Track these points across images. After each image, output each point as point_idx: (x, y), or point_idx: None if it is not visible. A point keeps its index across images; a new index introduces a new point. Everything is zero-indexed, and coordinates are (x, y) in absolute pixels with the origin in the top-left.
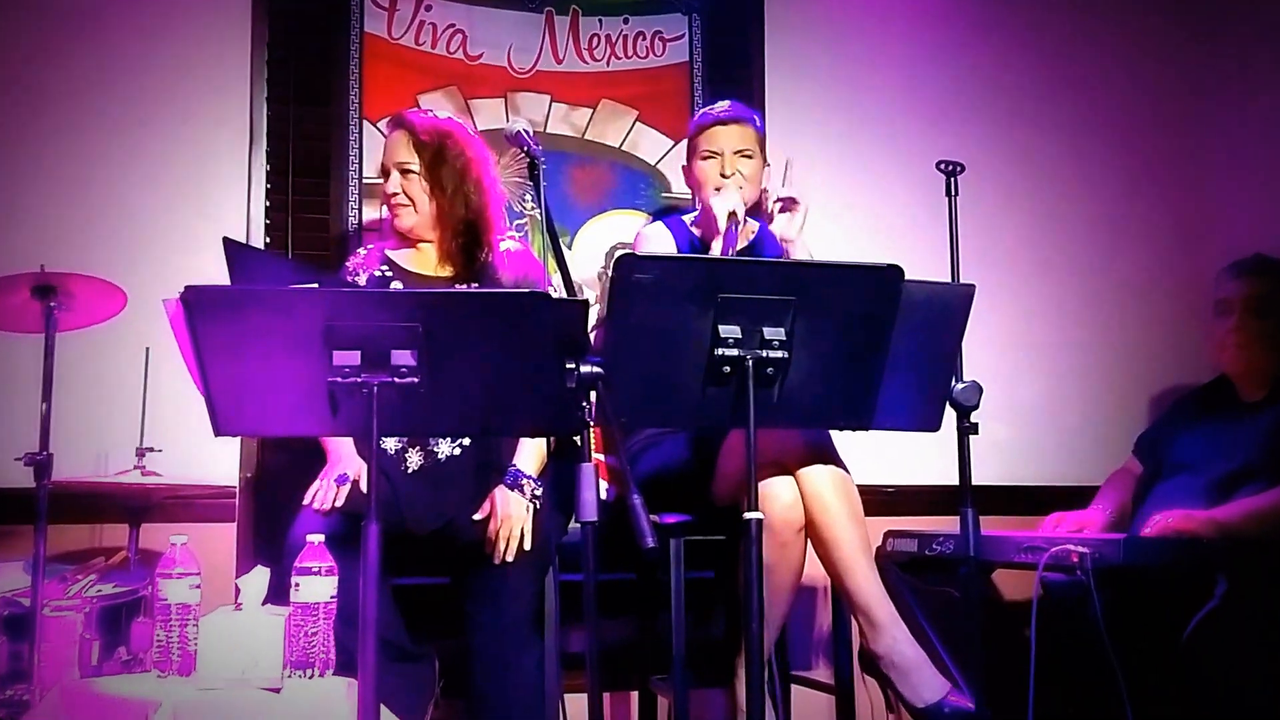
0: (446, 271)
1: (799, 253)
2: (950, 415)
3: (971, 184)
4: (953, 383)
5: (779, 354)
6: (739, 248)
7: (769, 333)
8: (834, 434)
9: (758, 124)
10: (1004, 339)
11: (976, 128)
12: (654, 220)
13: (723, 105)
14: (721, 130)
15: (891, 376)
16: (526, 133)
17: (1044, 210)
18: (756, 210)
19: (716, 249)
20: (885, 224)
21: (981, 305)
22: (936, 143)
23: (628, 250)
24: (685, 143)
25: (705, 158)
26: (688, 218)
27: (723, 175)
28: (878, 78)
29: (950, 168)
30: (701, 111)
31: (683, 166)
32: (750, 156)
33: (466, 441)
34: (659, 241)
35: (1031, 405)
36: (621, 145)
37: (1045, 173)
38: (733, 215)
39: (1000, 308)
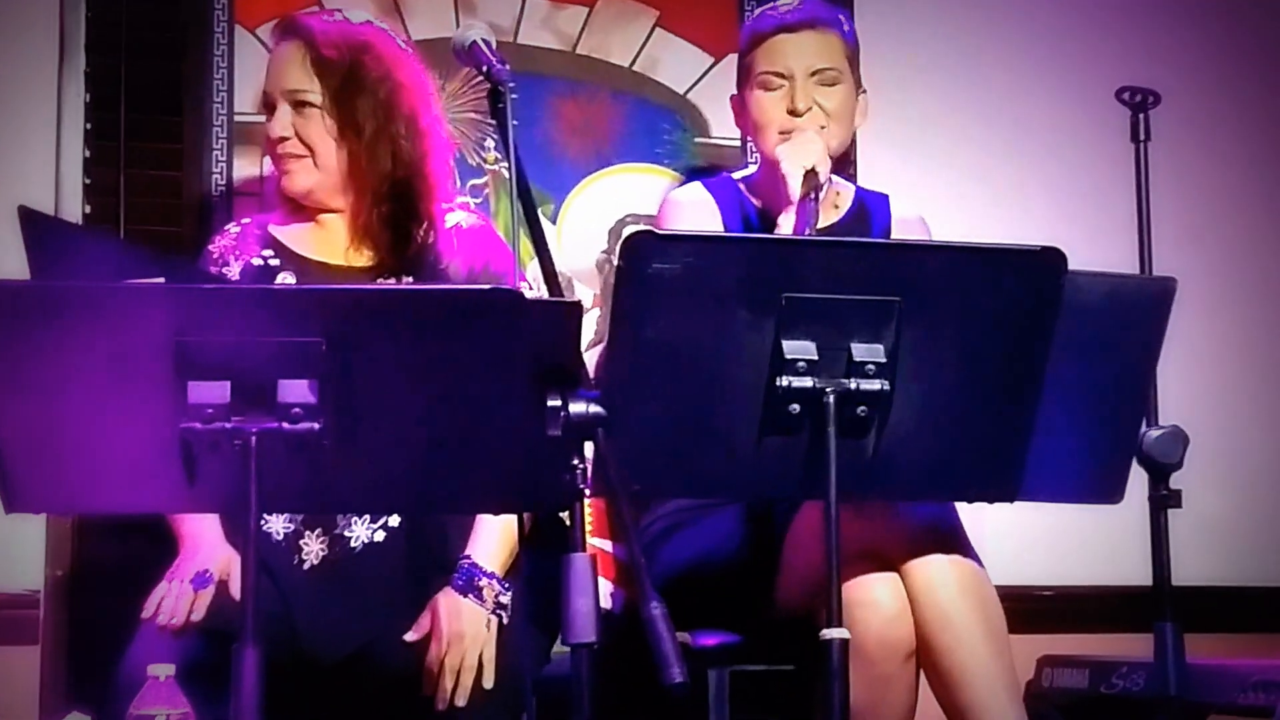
0: (364, 258)
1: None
2: (1138, 479)
3: (1167, 125)
4: (1142, 429)
5: (876, 385)
6: (820, 226)
7: (861, 353)
8: (961, 510)
9: (846, 29)
10: (1217, 361)
11: (1172, 49)
12: (688, 181)
13: (790, 2)
14: (790, 41)
15: (1048, 419)
16: (487, 44)
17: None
18: (844, 163)
19: (787, 227)
20: (1035, 185)
21: (1185, 310)
22: (1116, 66)
23: (644, 228)
24: (734, 61)
25: (766, 85)
26: (740, 175)
27: (792, 112)
28: None
29: (1139, 98)
30: (759, 11)
31: (731, 98)
32: (836, 81)
33: (394, 521)
34: (696, 213)
35: (1260, 465)
36: (633, 64)
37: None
38: (811, 175)
39: (1213, 313)
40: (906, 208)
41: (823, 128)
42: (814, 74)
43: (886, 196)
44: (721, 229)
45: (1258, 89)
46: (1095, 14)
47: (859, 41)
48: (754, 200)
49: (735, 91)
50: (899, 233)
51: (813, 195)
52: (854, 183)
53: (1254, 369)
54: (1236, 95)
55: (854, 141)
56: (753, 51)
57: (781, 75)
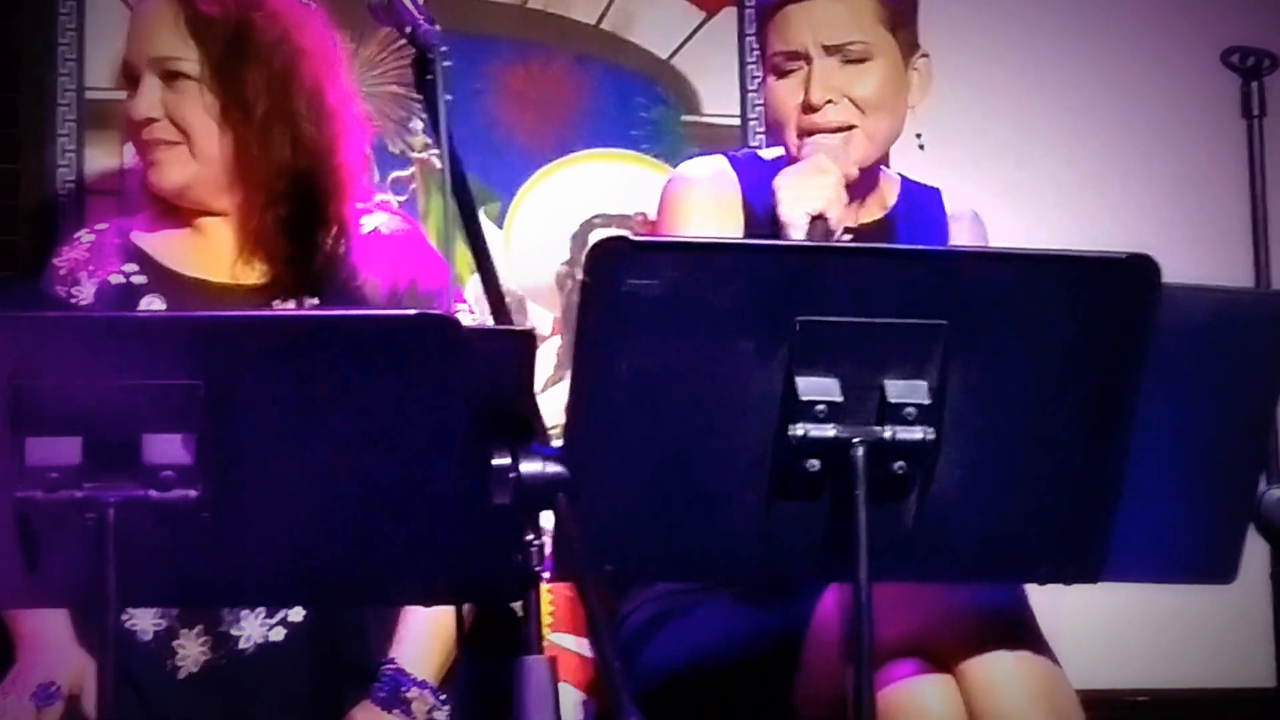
0: (255, 274)
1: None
2: (1257, 551)
3: None
4: (1261, 486)
5: (917, 434)
6: (857, 224)
7: (897, 392)
8: (1031, 593)
9: None
10: None
11: None
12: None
13: None
14: (800, 11)
15: (1140, 476)
16: None
17: None
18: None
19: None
20: (1120, 177)
21: None
22: (1222, 22)
23: (617, 233)
24: (732, 16)
25: (778, 69)
26: (772, 156)
27: (808, 107)
28: None
29: (1251, 62)
30: None
31: (761, 83)
32: (867, 56)
33: (297, 616)
34: (714, 192)
35: None
36: (601, 21)
37: None
38: (819, 223)
39: None
40: (954, 201)
41: (852, 127)
42: (833, 51)
43: (938, 191)
44: (740, 217)
45: None
46: None
47: None
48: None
49: (761, 74)
50: (955, 242)
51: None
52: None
53: None
54: None
55: None
56: (764, 27)
57: (796, 55)
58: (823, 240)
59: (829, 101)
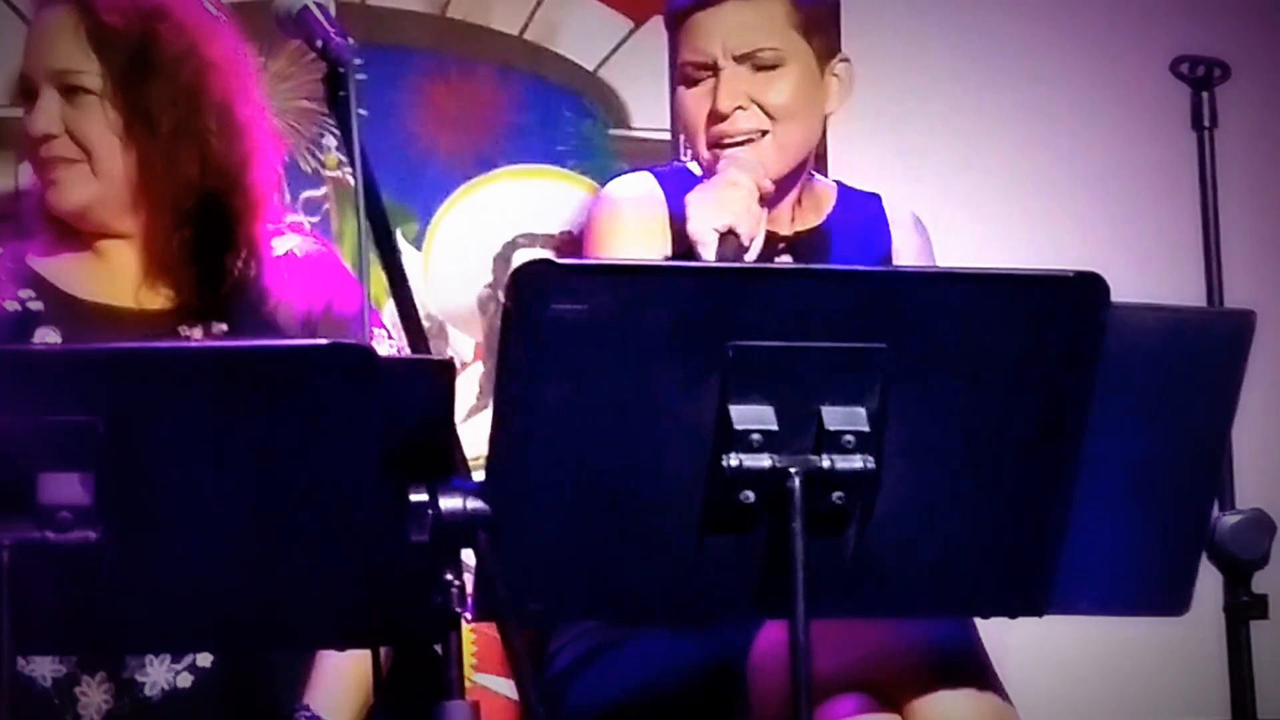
0: (160, 300)
1: None
2: (1209, 581)
3: (1238, 106)
4: (1214, 514)
5: (856, 463)
6: (791, 233)
7: (835, 419)
8: (982, 627)
9: None
10: None
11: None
12: (628, 173)
13: None
14: (708, 18)
15: (1089, 504)
16: (322, 10)
17: None
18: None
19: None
20: (1067, 191)
21: (1267, 353)
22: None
23: (541, 257)
24: (660, 26)
25: (687, 78)
26: (695, 167)
27: (715, 115)
28: None
29: (1202, 72)
30: None
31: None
32: (779, 63)
33: (205, 661)
34: (640, 215)
35: None
36: (524, 31)
37: None
38: (730, 240)
39: None
40: (901, 210)
41: (764, 133)
42: (743, 59)
43: (878, 197)
44: (667, 237)
45: None
46: None
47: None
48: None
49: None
50: (898, 249)
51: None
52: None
53: None
54: None
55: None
56: (674, 35)
57: (705, 64)
58: (734, 256)
59: (738, 108)
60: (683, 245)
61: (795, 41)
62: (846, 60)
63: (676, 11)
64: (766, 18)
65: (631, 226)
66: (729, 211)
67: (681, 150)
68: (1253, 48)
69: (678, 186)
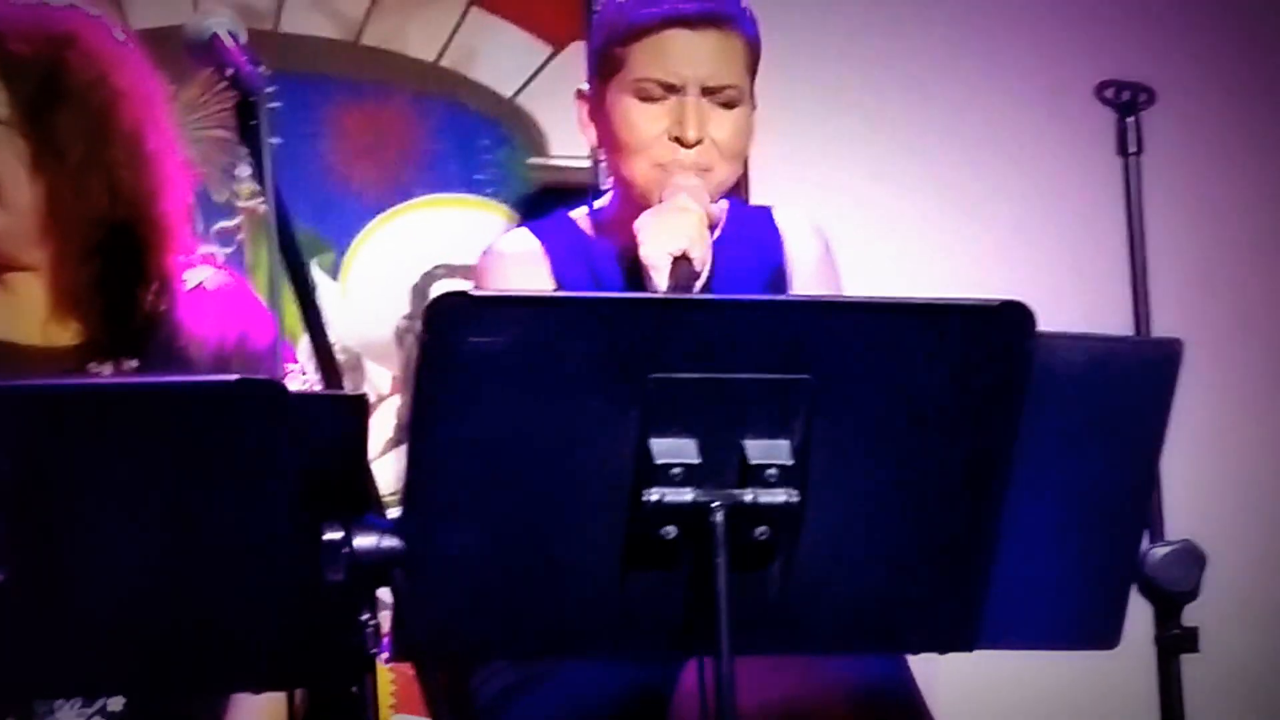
0: (68, 335)
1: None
2: (1139, 613)
3: (1164, 132)
4: (1143, 546)
5: (780, 497)
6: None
7: (758, 452)
8: (914, 663)
9: (752, 32)
10: (1242, 451)
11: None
12: (518, 227)
13: None
14: (688, 41)
15: (1016, 538)
16: (233, 38)
17: None
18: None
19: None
20: (991, 220)
21: (1195, 382)
22: (1096, 56)
23: (458, 288)
24: (580, 52)
25: (645, 94)
26: (582, 214)
27: (680, 141)
28: None
29: (1126, 97)
30: None
31: (580, 94)
32: (735, 103)
33: (116, 705)
34: (521, 270)
35: None
36: (441, 58)
37: None
38: (682, 264)
39: (1232, 385)
40: (795, 220)
41: (707, 170)
42: (709, 91)
43: (769, 209)
44: (555, 286)
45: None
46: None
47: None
48: (607, 243)
49: (588, 90)
50: (793, 258)
51: (683, 291)
52: (737, 200)
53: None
54: (1254, 91)
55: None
56: (629, 44)
57: (669, 86)
58: (687, 281)
59: (699, 141)
60: None
61: (746, 83)
62: (755, 108)
63: (645, 22)
64: (734, 54)
65: (516, 282)
66: (683, 236)
67: (603, 175)
68: (1178, 72)
69: (558, 242)
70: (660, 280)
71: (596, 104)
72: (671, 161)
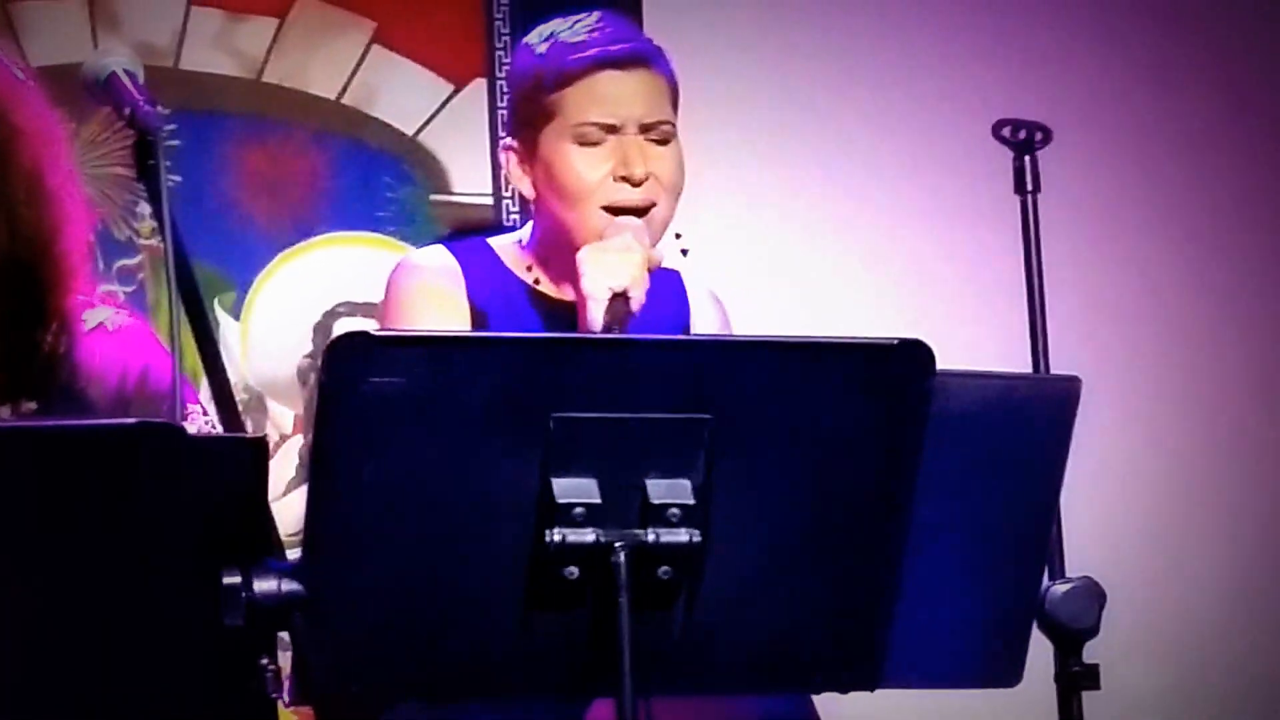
0: None
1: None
2: (1040, 650)
3: (1061, 170)
4: (1043, 583)
5: (682, 537)
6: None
7: (660, 492)
8: (818, 701)
9: (668, 67)
10: (1140, 488)
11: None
12: (435, 244)
13: (601, 24)
14: (620, 82)
15: (918, 576)
16: (130, 76)
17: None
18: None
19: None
20: (890, 259)
21: (1094, 420)
22: (994, 97)
23: (357, 330)
24: (481, 88)
25: (584, 138)
26: (503, 241)
27: (627, 179)
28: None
29: (1023, 135)
30: (550, 34)
31: (506, 147)
32: (668, 138)
33: None
34: (434, 285)
35: (1202, 626)
36: (342, 96)
37: (1186, 160)
38: (619, 303)
39: (1131, 422)
40: (699, 286)
41: (653, 205)
42: (646, 129)
43: (678, 274)
44: (466, 312)
45: (1179, 118)
46: (962, 29)
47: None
48: (524, 269)
49: (511, 138)
50: (696, 325)
51: (617, 328)
52: None
53: (1188, 494)
54: (1148, 130)
55: None
56: (558, 92)
57: (609, 127)
58: (622, 319)
59: (646, 178)
60: (479, 325)
61: (674, 119)
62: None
63: (575, 68)
64: (661, 91)
65: (433, 296)
66: (626, 274)
67: (505, 213)
68: (1074, 111)
69: (475, 264)
70: (596, 313)
71: (528, 154)
72: (619, 201)
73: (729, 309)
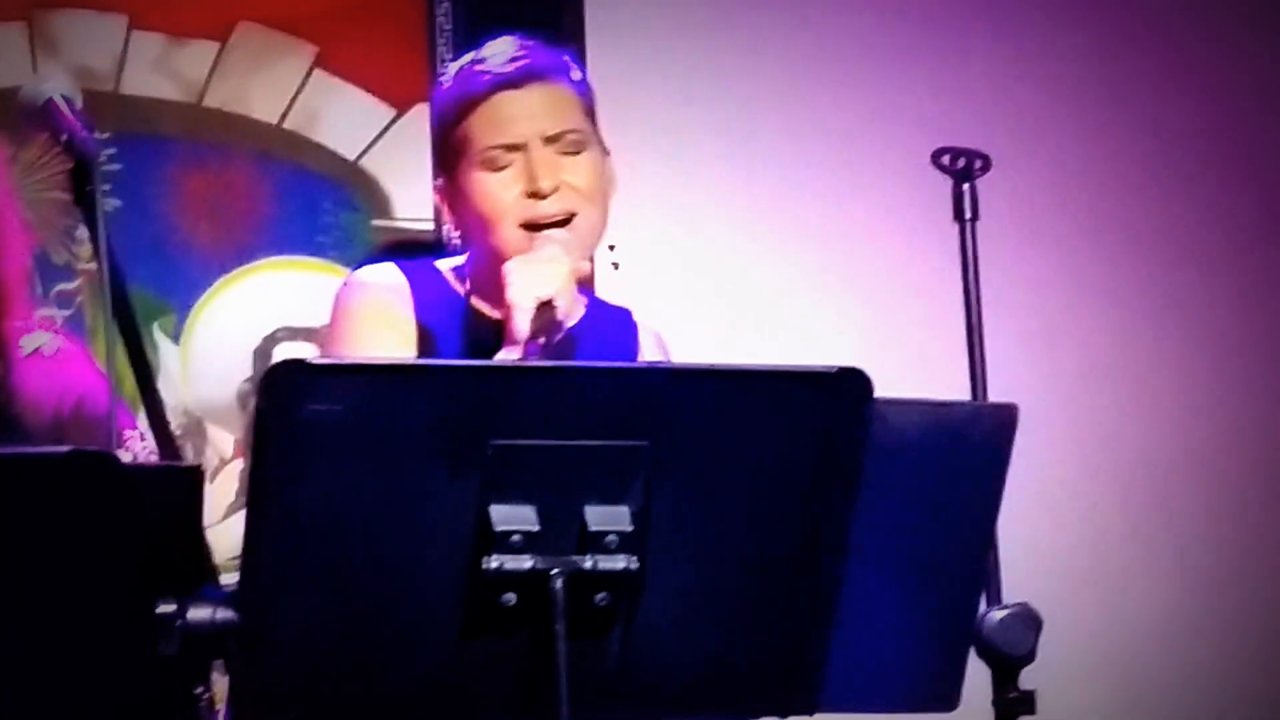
0: None
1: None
2: (977, 675)
3: (1000, 198)
4: (980, 609)
5: (619, 564)
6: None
7: (597, 519)
8: None
9: (578, 78)
10: (1078, 514)
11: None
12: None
13: (502, 48)
14: (515, 100)
15: (856, 602)
16: (68, 103)
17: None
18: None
19: (510, 352)
20: (827, 287)
21: (1032, 447)
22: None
23: (294, 357)
24: (423, 113)
25: (491, 163)
26: (446, 265)
27: (535, 194)
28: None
29: (963, 163)
30: (455, 69)
31: (436, 189)
32: (581, 147)
33: None
34: (387, 299)
35: (1141, 650)
36: (283, 120)
37: (1115, 189)
38: (546, 310)
39: (1069, 449)
40: (645, 326)
41: (573, 216)
42: (551, 141)
43: (629, 311)
44: (412, 331)
45: (1118, 145)
46: (901, 57)
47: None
48: (462, 290)
49: (438, 178)
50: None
51: (544, 337)
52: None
53: (1125, 520)
54: (1088, 157)
55: None
56: (463, 122)
57: (513, 147)
58: (551, 329)
59: (555, 189)
60: (427, 345)
61: (589, 128)
62: (609, 154)
63: (474, 94)
64: (566, 102)
65: (381, 314)
66: (552, 283)
67: (447, 239)
68: (1013, 138)
69: (423, 283)
70: (523, 323)
71: (451, 192)
72: (534, 217)
73: (667, 338)
